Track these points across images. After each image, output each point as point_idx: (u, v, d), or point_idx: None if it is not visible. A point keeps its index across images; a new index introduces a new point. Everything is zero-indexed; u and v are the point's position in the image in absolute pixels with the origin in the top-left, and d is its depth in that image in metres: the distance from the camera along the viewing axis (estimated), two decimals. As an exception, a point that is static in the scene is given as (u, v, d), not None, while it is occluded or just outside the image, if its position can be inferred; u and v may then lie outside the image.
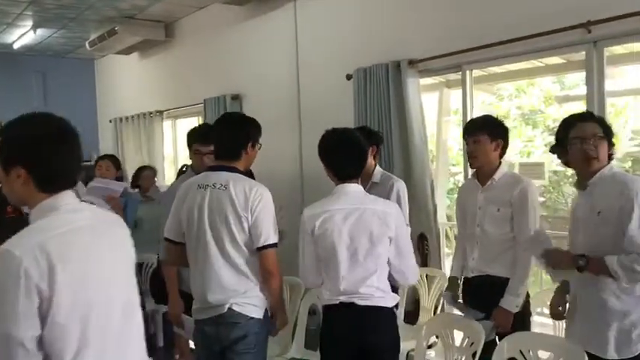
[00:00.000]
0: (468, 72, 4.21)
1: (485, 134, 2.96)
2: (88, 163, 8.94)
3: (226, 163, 2.70)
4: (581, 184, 2.49)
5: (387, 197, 3.43)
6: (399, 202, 3.46)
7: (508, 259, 2.94)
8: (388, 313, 2.55)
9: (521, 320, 2.91)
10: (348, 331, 2.51)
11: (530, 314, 3.02)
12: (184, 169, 3.95)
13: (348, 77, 4.89)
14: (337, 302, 2.54)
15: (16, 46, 8.09)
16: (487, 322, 2.89)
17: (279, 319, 2.76)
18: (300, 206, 5.03)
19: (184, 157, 7.83)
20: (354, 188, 2.59)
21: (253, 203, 2.58)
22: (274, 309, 2.72)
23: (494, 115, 3.12)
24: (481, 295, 2.99)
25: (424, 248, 4.50)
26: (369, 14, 4.90)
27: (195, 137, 3.52)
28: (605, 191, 2.37)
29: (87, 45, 7.70)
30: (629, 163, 5.99)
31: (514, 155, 6.24)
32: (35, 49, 8.61)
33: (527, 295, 2.99)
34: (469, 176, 3.32)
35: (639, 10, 3.15)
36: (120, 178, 4.37)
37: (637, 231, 2.25)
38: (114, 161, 4.16)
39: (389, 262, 2.57)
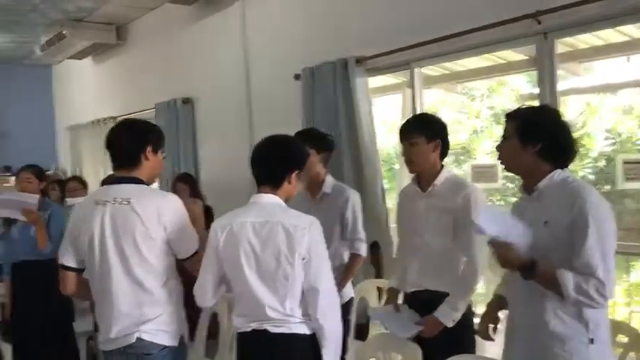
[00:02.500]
0: (416, 70, 3.95)
1: (422, 135, 2.67)
2: (48, 173, 8.63)
3: (125, 174, 2.40)
4: (527, 188, 2.17)
5: (342, 210, 3.19)
6: (354, 215, 3.22)
7: (451, 273, 2.66)
8: (305, 342, 2.21)
9: (460, 337, 2.63)
10: None
11: (473, 331, 2.73)
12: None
13: (297, 77, 4.62)
14: (249, 330, 2.24)
15: (-38, 52, 7.75)
16: (414, 324, 2.64)
17: None
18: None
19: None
20: (268, 199, 2.28)
21: (165, 217, 2.30)
22: None
23: (432, 114, 2.84)
24: (420, 312, 2.70)
25: (377, 258, 4.23)
26: (316, 9, 4.63)
27: None
28: (553, 200, 2.04)
29: (38, 50, 7.38)
30: (603, 162, 5.76)
31: (485, 156, 6.01)
32: (-15, 56, 8.26)
33: (471, 312, 2.72)
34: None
35: (590, -3, 2.91)
36: (44, 191, 4.05)
37: (593, 250, 1.92)
38: (36, 172, 3.85)
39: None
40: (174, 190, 4.97)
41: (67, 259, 2.42)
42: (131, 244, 2.27)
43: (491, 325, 2.27)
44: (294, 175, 2.31)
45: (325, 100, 4.35)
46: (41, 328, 3.69)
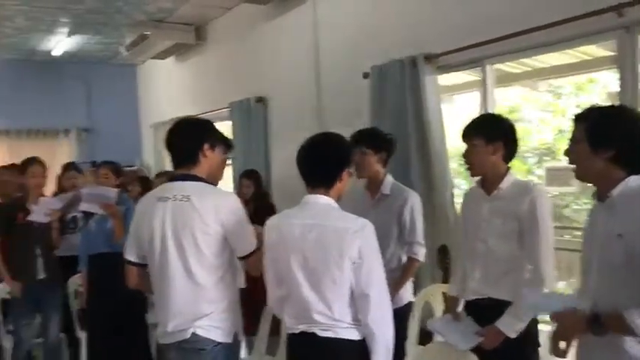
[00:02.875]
0: (488, 67, 3.79)
1: (481, 137, 2.55)
2: (130, 169, 9.03)
3: (185, 172, 2.44)
4: (600, 196, 1.93)
5: (400, 212, 3.13)
6: (412, 217, 3.15)
7: (515, 281, 2.53)
8: (354, 347, 2.16)
9: (523, 350, 2.49)
10: None
11: (537, 344, 2.57)
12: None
13: (365, 76, 4.55)
14: (298, 331, 2.21)
15: (55, 52, 8.18)
16: (474, 334, 2.52)
17: None
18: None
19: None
20: (320, 200, 2.24)
21: (222, 214, 2.33)
22: None
23: (497, 114, 2.70)
24: (481, 321, 2.58)
25: (445, 262, 4.10)
26: (386, 6, 4.54)
27: None
28: (628, 210, 1.80)
29: (123, 50, 7.70)
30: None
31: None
32: (77, 56, 8.70)
33: (536, 323, 2.57)
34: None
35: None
36: (121, 186, 4.22)
37: None
38: (113, 168, 4.02)
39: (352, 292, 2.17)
40: (240, 186, 5.05)
41: (130, 254, 2.50)
42: (190, 239, 2.31)
43: (563, 344, 2.06)
44: (345, 174, 2.27)
45: (394, 99, 4.26)
46: (113, 318, 3.83)
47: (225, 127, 7.15)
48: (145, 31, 6.89)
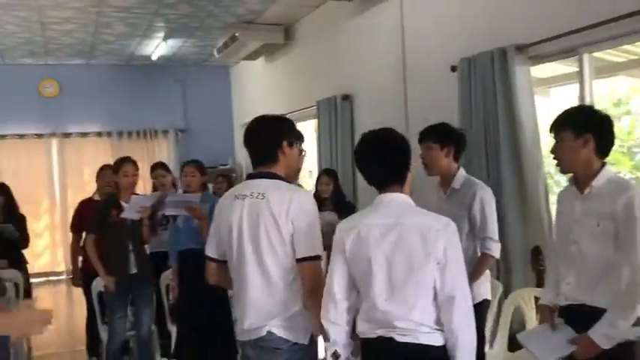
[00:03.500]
0: (586, 56, 3.51)
1: (568, 130, 2.35)
2: (225, 167, 9.28)
3: (264, 169, 2.43)
4: None
5: (469, 206, 3.04)
6: (482, 211, 3.02)
7: (611, 286, 2.31)
8: (436, 352, 2.05)
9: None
10: None
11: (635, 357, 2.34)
12: None
13: (453, 69, 4.38)
14: (375, 336, 2.12)
15: (154, 57, 8.55)
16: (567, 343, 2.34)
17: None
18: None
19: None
20: (395, 198, 2.15)
21: (294, 212, 2.28)
22: (316, 334, 2.38)
23: (588, 105, 2.48)
24: (576, 329, 2.38)
25: (538, 264, 3.85)
26: (475, -4, 4.35)
27: None
28: None
29: (215, 52, 7.91)
30: None
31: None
32: (173, 59, 9.06)
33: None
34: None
35: None
36: (205, 184, 4.31)
37: None
38: (199, 167, 4.11)
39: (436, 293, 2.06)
40: (318, 183, 5.02)
41: (211, 250, 2.52)
42: (264, 238, 2.29)
43: None
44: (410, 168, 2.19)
45: (483, 93, 4.07)
46: (200, 313, 3.91)
47: (310, 126, 7.19)
48: (235, 33, 7.04)
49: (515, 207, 3.90)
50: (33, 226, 8.73)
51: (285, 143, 2.41)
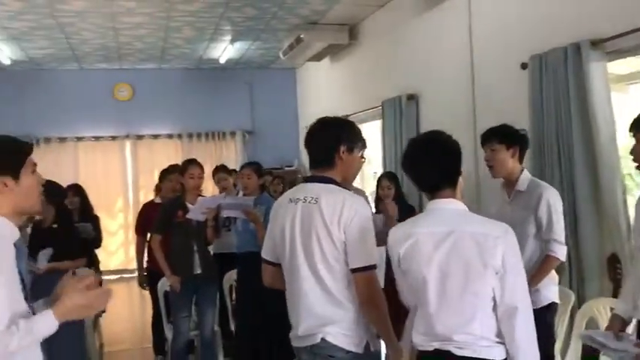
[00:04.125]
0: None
1: None
2: (290, 168, 9.33)
3: (319, 173, 2.38)
4: None
5: (535, 209, 2.96)
6: (549, 214, 2.96)
7: None
8: None
9: None
10: None
11: None
12: None
13: (523, 66, 4.18)
14: (431, 349, 2.03)
15: (222, 60, 8.69)
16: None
17: (390, 355, 2.34)
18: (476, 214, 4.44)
19: (369, 163, 7.65)
20: (449, 205, 2.05)
21: (346, 219, 2.22)
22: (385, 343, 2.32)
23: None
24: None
25: (616, 273, 3.62)
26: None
27: None
28: None
29: (281, 54, 7.95)
30: None
31: None
32: (241, 62, 9.19)
33: None
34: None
35: None
36: (262, 186, 4.31)
37: None
38: (256, 169, 4.12)
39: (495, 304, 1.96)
40: (379, 186, 4.93)
41: (266, 253, 2.51)
42: (315, 243, 2.25)
43: None
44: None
45: (555, 91, 3.86)
46: (259, 315, 3.92)
47: (374, 127, 7.10)
48: (300, 35, 7.04)
49: (589, 211, 3.67)
50: (107, 225, 9.13)
51: (343, 148, 2.35)
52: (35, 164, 1.90)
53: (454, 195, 2.07)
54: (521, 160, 3.11)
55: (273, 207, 2.55)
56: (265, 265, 2.52)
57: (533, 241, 3.00)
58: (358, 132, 2.47)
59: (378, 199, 5.01)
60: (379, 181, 4.98)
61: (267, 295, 3.59)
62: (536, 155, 4.02)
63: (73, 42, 7.45)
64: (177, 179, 4.65)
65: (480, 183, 4.83)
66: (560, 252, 3.00)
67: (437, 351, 2.01)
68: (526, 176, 3.04)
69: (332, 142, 2.36)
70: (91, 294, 1.78)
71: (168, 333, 4.48)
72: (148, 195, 7.77)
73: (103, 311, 4.32)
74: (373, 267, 2.24)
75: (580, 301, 3.61)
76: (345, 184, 2.46)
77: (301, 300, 2.32)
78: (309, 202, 2.30)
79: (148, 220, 4.78)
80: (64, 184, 5.50)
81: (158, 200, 5.07)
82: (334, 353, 2.25)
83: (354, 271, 2.23)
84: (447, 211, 2.05)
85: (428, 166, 2.10)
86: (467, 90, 5.04)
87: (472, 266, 1.93)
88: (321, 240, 2.24)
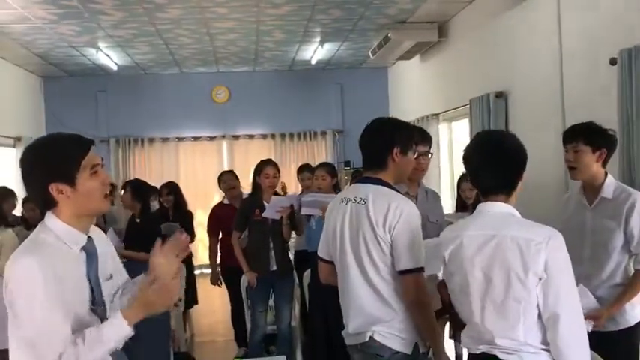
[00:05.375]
0: None
1: None
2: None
3: (371, 175, 2.40)
4: None
5: (626, 219, 2.67)
6: None
7: None
8: None
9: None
10: None
11: None
12: None
13: (612, 62, 3.94)
14: (478, 352, 1.99)
15: (313, 61, 8.84)
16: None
17: (435, 357, 2.32)
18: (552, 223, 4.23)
19: (459, 164, 7.48)
20: (499, 209, 1.99)
21: (392, 221, 2.23)
22: (431, 345, 2.31)
23: None
24: None
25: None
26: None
27: None
28: None
29: (370, 54, 7.97)
30: None
31: None
32: (331, 63, 9.30)
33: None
34: None
35: None
36: (337, 186, 4.35)
37: None
38: (329, 170, 4.18)
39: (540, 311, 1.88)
40: (460, 189, 4.80)
41: (321, 251, 2.57)
42: (362, 243, 2.29)
43: None
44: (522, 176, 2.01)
45: (646, 87, 3.61)
46: (329, 311, 3.96)
47: (461, 126, 6.93)
48: (388, 34, 7.02)
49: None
50: (204, 221, 9.55)
51: (397, 150, 2.35)
52: (98, 163, 1.77)
53: (507, 200, 2.01)
54: (605, 164, 2.82)
55: (328, 206, 2.59)
56: (320, 263, 2.58)
57: (619, 254, 2.73)
58: (412, 133, 2.46)
59: (461, 202, 4.88)
60: (459, 183, 4.86)
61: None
62: (624, 156, 3.78)
63: (173, 47, 7.88)
64: (231, 179, 5.03)
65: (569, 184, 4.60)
66: None
67: (484, 354, 1.97)
68: (611, 181, 2.77)
69: (385, 145, 2.37)
70: (163, 290, 1.68)
71: (249, 326, 4.65)
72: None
73: (180, 299, 4.54)
74: (420, 269, 2.24)
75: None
76: (399, 185, 2.46)
77: (351, 299, 2.35)
78: (359, 202, 2.33)
79: (218, 220, 5.00)
80: (166, 182, 5.90)
81: (226, 202, 5.27)
82: (382, 352, 2.28)
83: (401, 272, 2.24)
84: (493, 214, 2.00)
85: (485, 167, 2.04)
86: (555, 87, 4.82)
87: (514, 271, 1.87)
88: (367, 241, 2.27)
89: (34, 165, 1.72)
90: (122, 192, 5.35)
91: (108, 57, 8.03)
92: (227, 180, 5.19)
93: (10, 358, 1.68)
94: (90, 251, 1.77)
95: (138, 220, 4.30)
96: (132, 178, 6.90)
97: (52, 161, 1.70)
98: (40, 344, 1.59)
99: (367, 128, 2.47)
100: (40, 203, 1.76)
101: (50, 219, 1.72)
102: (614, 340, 2.61)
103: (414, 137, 2.47)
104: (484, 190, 2.04)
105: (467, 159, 2.11)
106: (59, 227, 1.71)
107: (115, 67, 8.57)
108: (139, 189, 4.16)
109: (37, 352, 1.60)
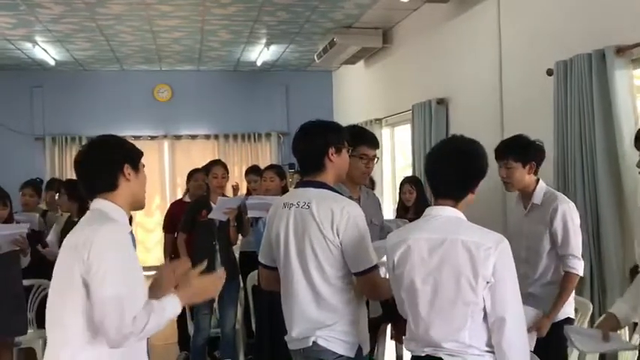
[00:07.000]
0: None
1: None
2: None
3: (311, 178, 2.41)
4: None
5: (550, 222, 2.86)
6: (565, 228, 2.84)
7: None
8: None
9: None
10: None
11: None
12: None
13: (549, 73, 4.12)
14: (423, 355, 2.04)
15: (258, 62, 8.81)
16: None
17: None
18: (502, 225, 4.38)
19: (403, 166, 7.64)
20: (448, 213, 2.04)
21: (339, 223, 2.24)
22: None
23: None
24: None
25: (638, 285, 3.53)
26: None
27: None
28: None
29: (315, 57, 8.01)
30: None
31: None
32: (277, 65, 9.29)
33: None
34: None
35: None
36: (285, 188, 4.37)
37: None
38: (278, 172, 4.18)
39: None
40: (401, 191, 4.92)
41: (262, 257, 2.55)
42: (309, 248, 2.29)
43: None
44: (477, 185, 2.05)
45: (579, 98, 3.79)
46: (273, 315, 3.96)
47: (405, 131, 7.08)
48: (333, 38, 7.08)
49: (612, 221, 3.60)
50: (145, 222, 9.36)
51: (331, 150, 2.37)
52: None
53: (456, 205, 2.05)
54: (536, 172, 3.00)
55: (269, 211, 2.57)
56: (262, 269, 2.57)
57: (547, 257, 2.91)
58: (343, 131, 2.47)
59: (401, 204, 5.01)
60: (401, 185, 4.98)
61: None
62: (559, 162, 3.96)
63: (114, 44, 7.69)
64: (202, 179, 4.76)
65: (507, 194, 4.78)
66: (580, 267, 2.89)
67: (429, 357, 2.02)
68: (542, 188, 2.94)
69: (318, 147, 2.36)
70: (206, 279, 1.98)
71: (191, 329, 4.58)
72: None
73: None
74: (375, 267, 2.27)
75: (601, 313, 3.54)
76: (340, 185, 2.49)
77: (295, 304, 2.35)
78: (302, 207, 2.32)
79: (175, 218, 4.89)
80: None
81: (187, 199, 5.18)
82: (326, 356, 2.29)
83: (358, 274, 2.28)
84: (442, 218, 2.04)
85: (438, 169, 2.10)
86: (495, 95, 5.00)
87: (463, 275, 1.92)
88: (314, 245, 2.27)
89: (114, 147, 2.04)
90: (57, 195, 5.19)
91: (45, 52, 7.75)
92: (199, 179, 5.04)
93: (74, 323, 1.82)
94: (133, 237, 2.09)
95: (76, 220, 4.16)
96: (64, 179, 6.74)
97: (127, 146, 2.08)
98: (127, 301, 1.76)
99: (299, 133, 2.45)
100: (100, 184, 1.97)
101: (103, 201, 1.96)
102: (546, 337, 2.76)
103: (344, 135, 2.47)
104: (435, 192, 2.10)
105: (428, 158, 2.15)
106: (116, 208, 1.96)
107: (52, 63, 8.29)
108: (73, 190, 4.07)
109: (121, 308, 1.75)
